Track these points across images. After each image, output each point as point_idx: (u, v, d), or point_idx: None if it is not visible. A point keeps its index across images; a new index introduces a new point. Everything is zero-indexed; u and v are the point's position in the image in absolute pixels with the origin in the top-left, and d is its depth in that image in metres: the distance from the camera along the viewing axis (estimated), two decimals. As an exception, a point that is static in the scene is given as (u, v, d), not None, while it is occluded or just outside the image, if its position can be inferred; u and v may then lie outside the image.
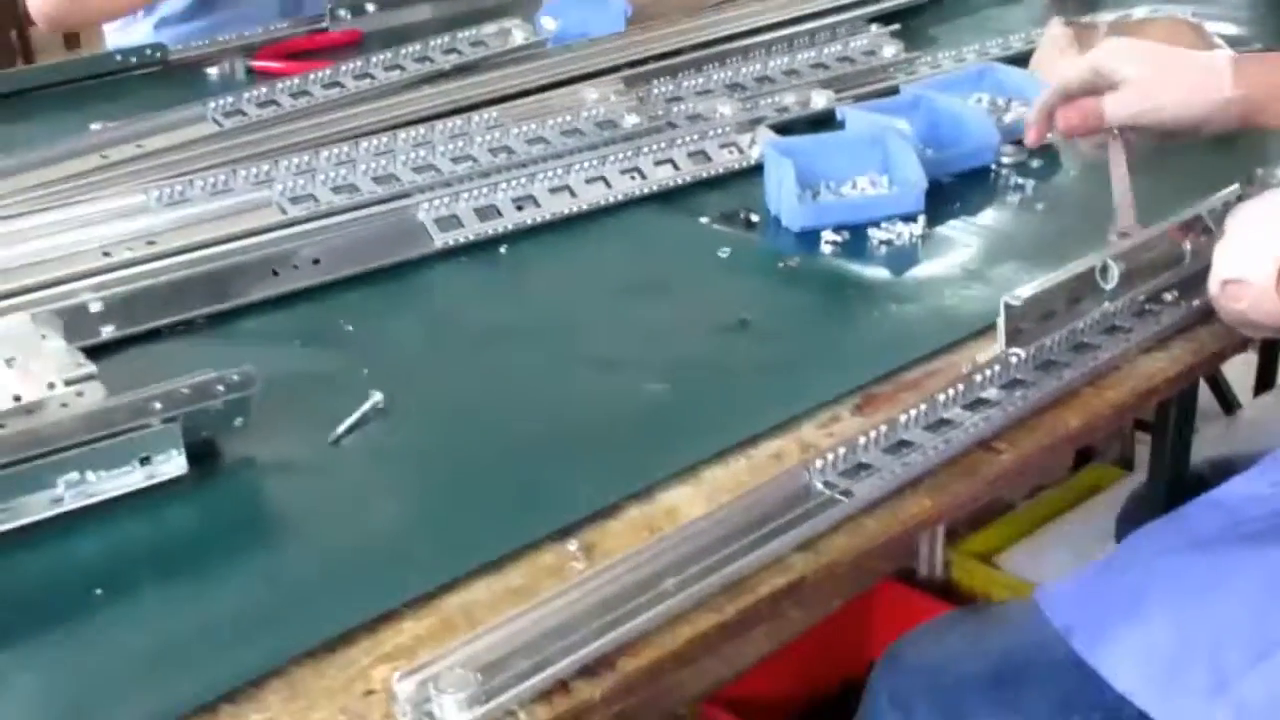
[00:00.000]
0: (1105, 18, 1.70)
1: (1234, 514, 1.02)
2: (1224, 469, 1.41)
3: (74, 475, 0.90)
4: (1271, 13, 1.82)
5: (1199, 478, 1.49)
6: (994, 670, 1.06)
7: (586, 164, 1.35)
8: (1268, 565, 0.98)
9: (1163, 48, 1.23)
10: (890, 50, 1.64)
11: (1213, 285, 1.06)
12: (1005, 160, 1.40)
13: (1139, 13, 1.70)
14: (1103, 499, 2.08)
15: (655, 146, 1.38)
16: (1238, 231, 1.05)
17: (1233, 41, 1.62)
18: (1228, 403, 2.20)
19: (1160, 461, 1.63)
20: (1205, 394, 2.16)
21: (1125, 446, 2.28)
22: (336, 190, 1.30)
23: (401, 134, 1.39)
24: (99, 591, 0.83)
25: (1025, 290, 1.02)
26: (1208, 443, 2.08)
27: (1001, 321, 1.01)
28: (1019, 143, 1.43)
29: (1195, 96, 1.17)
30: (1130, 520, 1.65)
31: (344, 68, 1.57)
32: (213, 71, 1.76)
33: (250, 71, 1.78)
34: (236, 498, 0.93)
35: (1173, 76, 1.18)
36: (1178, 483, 1.67)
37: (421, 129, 1.40)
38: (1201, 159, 1.31)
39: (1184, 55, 1.21)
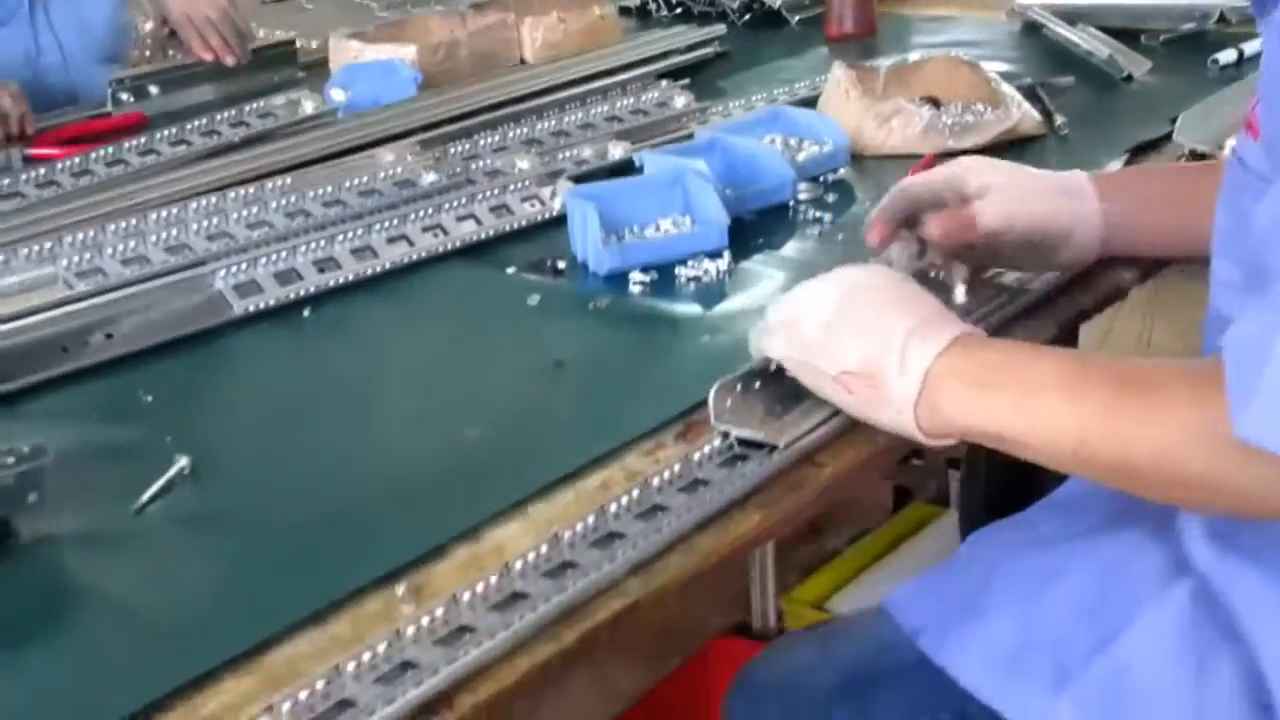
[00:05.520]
0: (884, 63, 1.76)
1: (1073, 513, 1.04)
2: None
3: None
4: (1034, 53, 1.91)
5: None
6: (844, 680, 1.05)
7: (387, 223, 1.33)
8: (1102, 556, 0.99)
9: (1019, 165, 1.17)
10: (681, 101, 1.67)
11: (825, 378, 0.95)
12: (802, 196, 1.43)
13: (914, 56, 1.77)
14: (925, 536, 2.12)
15: (456, 203, 1.37)
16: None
17: (1004, 78, 1.70)
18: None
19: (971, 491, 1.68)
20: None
21: (941, 485, 2.34)
22: (126, 263, 1.25)
23: (193, 204, 1.35)
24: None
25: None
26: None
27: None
28: (814, 180, 1.47)
29: (1062, 204, 1.12)
30: (974, 519, 1.67)
31: (127, 145, 1.52)
32: (-15, 162, 1.68)
33: (27, 159, 1.71)
34: (38, 575, 0.87)
35: (1037, 184, 1.13)
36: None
37: (213, 198, 1.36)
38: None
39: (1042, 172, 1.16)
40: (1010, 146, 1.54)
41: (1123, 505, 1.01)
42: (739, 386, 0.97)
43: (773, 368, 0.98)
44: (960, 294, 1.13)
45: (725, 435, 0.95)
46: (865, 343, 0.93)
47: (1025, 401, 0.88)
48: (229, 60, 1.91)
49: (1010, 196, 1.11)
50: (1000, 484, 1.68)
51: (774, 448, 0.93)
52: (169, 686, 0.74)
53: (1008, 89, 1.60)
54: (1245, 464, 0.79)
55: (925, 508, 2.25)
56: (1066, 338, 1.26)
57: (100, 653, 0.80)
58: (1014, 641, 0.97)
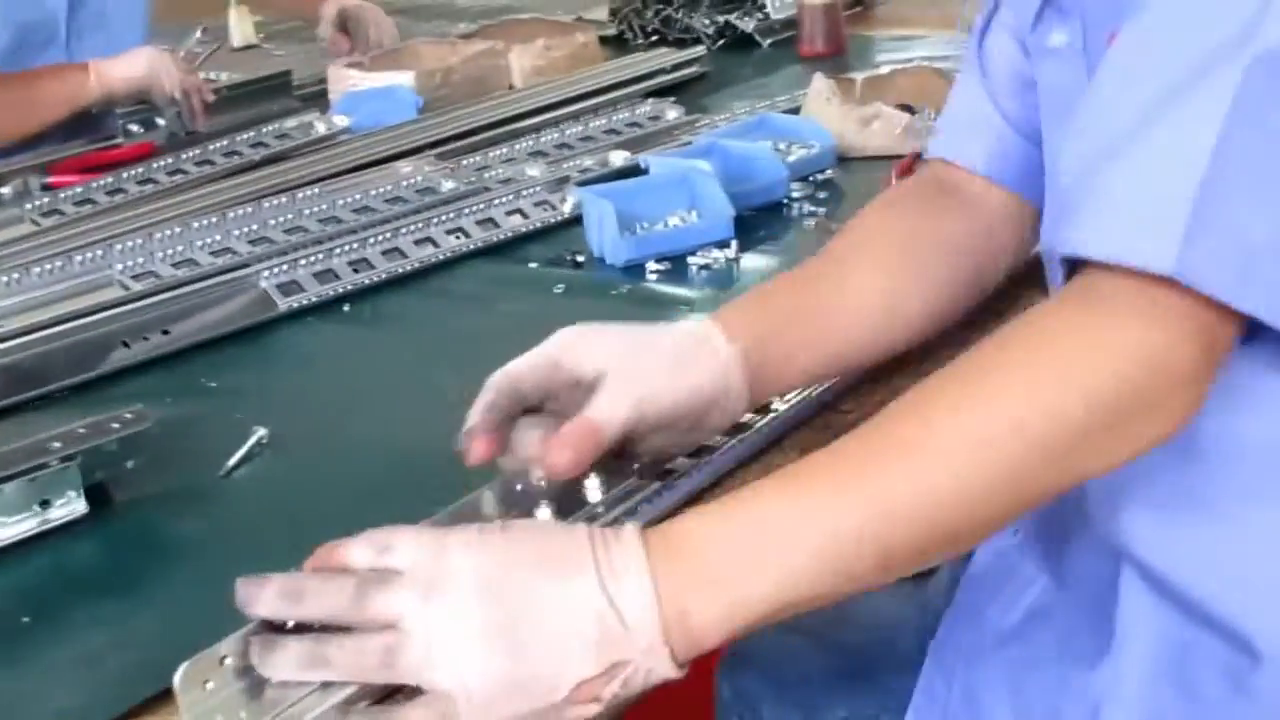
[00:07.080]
0: (859, 75, 1.88)
1: (1001, 592, 0.96)
2: None
3: (-27, 523, 0.91)
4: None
5: None
6: (839, 663, 1.05)
7: (412, 227, 1.42)
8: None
9: (628, 327, 0.92)
10: (673, 114, 1.78)
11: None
12: (795, 194, 1.54)
13: (885, 70, 1.89)
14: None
15: (475, 207, 1.47)
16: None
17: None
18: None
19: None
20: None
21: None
22: (176, 265, 1.34)
23: (230, 213, 1.44)
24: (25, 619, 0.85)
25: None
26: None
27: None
28: (804, 179, 1.58)
29: (689, 369, 0.88)
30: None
31: (155, 164, 1.61)
32: (5, 191, 1.75)
33: (46, 187, 1.78)
34: (139, 529, 0.96)
35: (659, 350, 0.89)
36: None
37: (249, 207, 1.45)
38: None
39: (654, 330, 0.92)
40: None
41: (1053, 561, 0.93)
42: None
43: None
44: (595, 489, 0.89)
45: None
46: (564, 629, 0.68)
47: (786, 554, 0.70)
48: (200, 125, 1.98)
49: (632, 379, 0.86)
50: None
51: None
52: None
53: (977, 93, 1.72)
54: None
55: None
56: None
57: (193, 596, 0.88)
58: None
